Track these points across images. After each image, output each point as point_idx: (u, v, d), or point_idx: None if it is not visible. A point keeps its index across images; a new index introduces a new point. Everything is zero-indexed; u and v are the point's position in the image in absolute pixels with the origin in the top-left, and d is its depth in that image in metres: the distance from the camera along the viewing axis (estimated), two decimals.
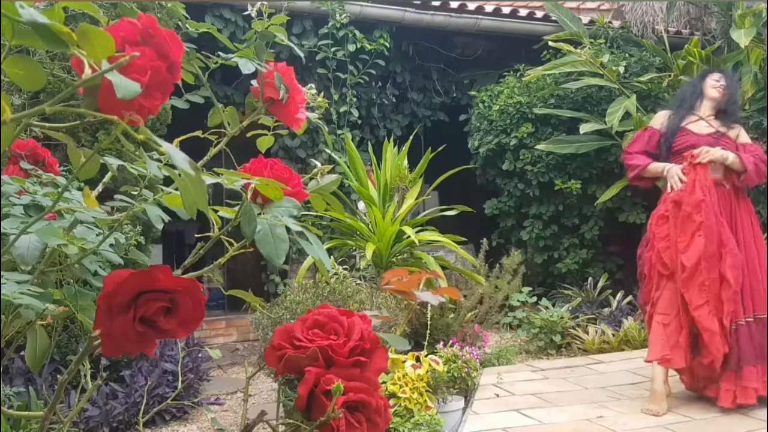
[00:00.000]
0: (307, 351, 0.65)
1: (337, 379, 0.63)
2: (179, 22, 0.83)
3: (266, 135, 0.93)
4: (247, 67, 0.81)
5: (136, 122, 0.53)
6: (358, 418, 0.64)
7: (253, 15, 0.92)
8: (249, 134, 0.92)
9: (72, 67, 0.54)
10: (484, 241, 5.75)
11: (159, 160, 0.63)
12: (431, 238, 4.69)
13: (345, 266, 4.34)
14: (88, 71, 0.49)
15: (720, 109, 3.75)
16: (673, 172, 3.60)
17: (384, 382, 3.22)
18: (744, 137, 3.76)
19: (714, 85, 3.76)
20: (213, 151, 0.86)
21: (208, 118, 0.89)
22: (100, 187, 0.78)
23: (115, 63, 0.49)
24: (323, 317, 0.69)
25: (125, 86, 0.49)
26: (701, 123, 3.71)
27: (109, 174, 0.67)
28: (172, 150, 0.50)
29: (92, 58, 0.51)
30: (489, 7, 7.01)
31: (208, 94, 0.85)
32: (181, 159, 0.50)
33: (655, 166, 3.70)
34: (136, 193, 0.68)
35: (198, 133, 0.87)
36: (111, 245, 0.66)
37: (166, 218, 0.67)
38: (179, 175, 0.56)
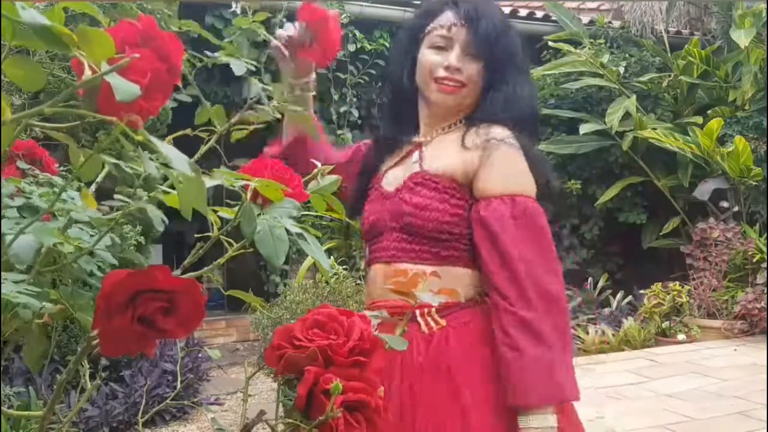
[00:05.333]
0: (307, 351, 0.65)
1: (336, 378, 0.63)
2: (163, 23, 0.83)
3: (246, 129, 0.93)
4: (239, 68, 0.82)
5: (135, 123, 0.53)
6: (357, 417, 0.64)
7: (238, 12, 0.92)
8: (233, 135, 0.92)
9: (72, 68, 0.54)
10: None
11: (157, 159, 0.63)
12: None
13: (345, 266, 4.34)
14: (88, 72, 0.49)
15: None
16: None
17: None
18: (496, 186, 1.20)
19: (432, 64, 1.26)
20: (203, 148, 0.86)
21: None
22: (93, 187, 0.79)
23: (114, 65, 0.49)
24: (323, 317, 0.69)
25: (124, 89, 0.49)
26: (406, 161, 1.33)
27: (103, 172, 0.68)
28: (170, 151, 0.50)
29: (92, 59, 0.51)
30: None
31: (195, 93, 0.86)
32: (179, 160, 0.50)
33: None
34: (133, 192, 0.68)
35: (188, 131, 0.87)
36: (107, 246, 0.66)
37: (167, 220, 0.68)
38: (179, 179, 0.57)
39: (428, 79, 1.26)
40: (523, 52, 1.32)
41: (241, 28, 0.85)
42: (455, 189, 1.22)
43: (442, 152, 1.26)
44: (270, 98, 0.89)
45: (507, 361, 1.10)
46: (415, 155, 1.31)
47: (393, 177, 1.32)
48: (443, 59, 1.24)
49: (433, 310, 1.21)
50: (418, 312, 1.22)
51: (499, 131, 1.21)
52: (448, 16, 1.26)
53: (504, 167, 1.19)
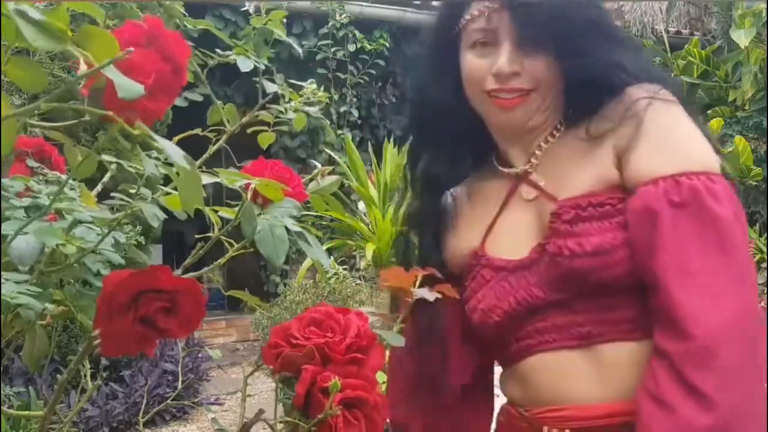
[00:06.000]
0: (304, 349, 0.65)
1: (334, 376, 0.63)
2: (177, 21, 0.83)
3: (266, 131, 0.93)
4: (245, 64, 0.82)
5: (132, 120, 0.53)
6: (356, 414, 0.64)
7: (251, 11, 0.92)
8: (249, 130, 0.93)
9: (72, 69, 0.54)
10: None
11: (157, 158, 0.63)
12: None
13: (345, 266, 4.34)
14: (83, 67, 0.49)
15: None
16: None
17: (384, 382, 3.22)
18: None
19: (481, 83, 0.87)
20: (212, 148, 0.86)
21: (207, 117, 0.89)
22: (99, 187, 0.79)
23: (113, 60, 0.49)
24: (320, 315, 0.69)
25: (127, 86, 0.49)
26: (509, 211, 0.92)
27: (109, 173, 0.68)
28: (168, 145, 0.51)
29: (95, 60, 0.51)
30: None
31: (206, 92, 0.86)
32: (176, 154, 0.50)
33: None
34: (134, 191, 0.68)
35: (197, 130, 0.87)
36: (111, 245, 0.66)
37: (162, 215, 0.68)
38: (177, 173, 0.57)
39: (478, 95, 0.88)
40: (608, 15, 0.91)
41: (255, 28, 0.84)
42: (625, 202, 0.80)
43: (563, 165, 0.86)
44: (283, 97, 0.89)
45: (646, 419, 0.71)
46: (524, 192, 0.89)
47: (507, 237, 0.90)
48: (490, 63, 0.85)
49: None
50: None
51: (640, 90, 0.81)
52: (473, 5, 0.86)
53: (659, 135, 0.78)
